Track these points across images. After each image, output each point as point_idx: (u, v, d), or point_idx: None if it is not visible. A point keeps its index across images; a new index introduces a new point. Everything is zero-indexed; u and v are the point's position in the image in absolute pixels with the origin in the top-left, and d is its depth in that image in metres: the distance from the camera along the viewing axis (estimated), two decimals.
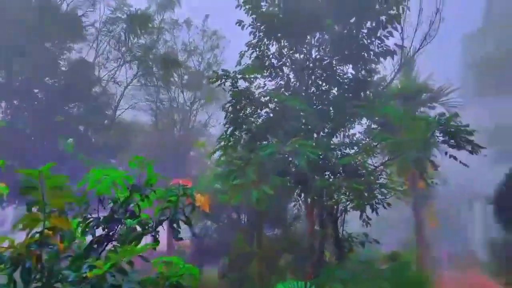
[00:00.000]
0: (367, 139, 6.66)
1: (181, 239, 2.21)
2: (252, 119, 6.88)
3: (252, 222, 9.53)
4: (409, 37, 7.44)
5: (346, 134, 8.07)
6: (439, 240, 27.10)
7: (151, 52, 14.60)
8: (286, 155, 5.26)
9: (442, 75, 14.76)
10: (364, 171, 7.15)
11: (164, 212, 2.19)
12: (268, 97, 6.83)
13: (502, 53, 23.77)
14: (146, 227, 2.12)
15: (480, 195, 20.93)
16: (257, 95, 6.56)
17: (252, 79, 6.62)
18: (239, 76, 6.27)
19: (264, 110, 7.12)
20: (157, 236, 2.18)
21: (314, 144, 6.67)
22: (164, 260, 2.02)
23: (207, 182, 7.96)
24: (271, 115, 7.17)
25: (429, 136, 5.42)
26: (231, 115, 6.44)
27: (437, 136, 5.55)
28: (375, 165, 6.68)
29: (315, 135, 7.64)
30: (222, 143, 6.38)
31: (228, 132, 6.52)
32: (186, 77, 16.85)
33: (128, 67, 15.19)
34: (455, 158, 5.78)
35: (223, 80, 6.21)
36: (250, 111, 6.85)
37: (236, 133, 6.55)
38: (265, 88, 7.32)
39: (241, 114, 6.53)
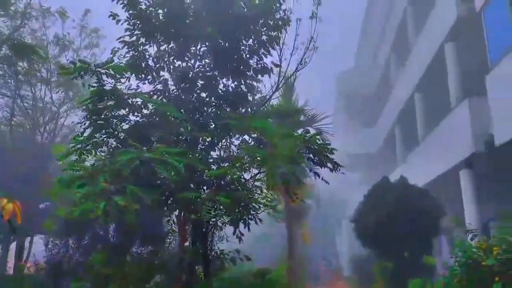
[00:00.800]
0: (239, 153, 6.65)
1: None
2: (118, 122, 6.25)
3: (120, 239, 8.66)
4: (286, 60, 7.84)
5: (223, 147, 7.98)
6: (312, 256, 29.17)
7: (11, 38, 12.49)
8: (152, 164, 4.85)
9: (318, 103, 16.22)
10: (237, 185, 7.11)
11: None
12: (138, 100, 6.32)
13: (368, 91, 27.44)
14: None
15: (346, 215, 23.24)
16: (126, 97, 5.99)
17: (119, 77, 6.03)
18: (102, 71, 5.62)
19: (137, 115, 6.57)
20: None
21: (189, 155, 6.40)
22: None
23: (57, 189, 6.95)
24: (144, 120, 6.66)
25: (295, 152, 5.63)
26: (91, 115, 5.73)
27: (304, 153, 5.82)
28: (247, 179, 6.70)
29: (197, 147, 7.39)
30: (78, 145, 5.60)
31: (85, 134, 5.78)
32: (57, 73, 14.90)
33: None
34: (318, 175, 6.14)
35: (81, 73, 5.48)
36: (118, 113, 6.23)
37: (97, 136, 5.85)
38: (138, 90, 6.78)
39: (104, 115, 5.88)
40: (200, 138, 7.56)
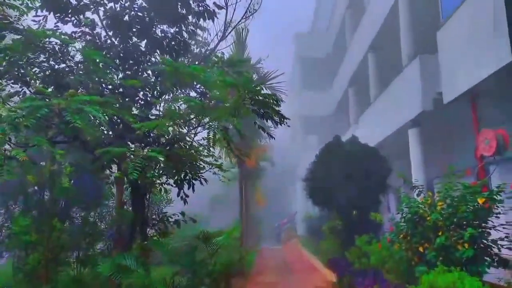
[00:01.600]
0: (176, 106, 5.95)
1: None
2: (31, 67, 5.31)
3: (48, 203, 7.85)
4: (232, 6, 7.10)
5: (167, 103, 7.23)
6: (267, 216, 29.67)
7: None
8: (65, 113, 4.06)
9: (273, 64, 15.62)
10: (181, 143, 6.49)
11: None
12: (57, 42, 5.38)
13: (324, 54, 27.16)
14: None
15: (301, 176, 23.46)
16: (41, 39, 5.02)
17: (27, 11, 5.03)
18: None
19: (58, 61, 5.63)
20: None
21: (119, 108, 5.63)
22: None
23: None
24: (66, 68, 5.74)
25: (240, 104, 5.07)
26: None
27: (248, 105, 5.27)
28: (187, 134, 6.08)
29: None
30: None
31: None
32: None
33: None
34: (263, 129, 5.67)
35: None
36: (32, 58, 5.28)
37: (3, 83, 4.92)
38: (58, 31, 5.78)
39: (10, 58, 4.91)
40: (142, 93, 6.78)
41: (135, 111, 6.36)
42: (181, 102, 6.22)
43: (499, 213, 6.03)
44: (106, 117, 4.45)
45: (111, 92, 6.39)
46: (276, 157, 26.25)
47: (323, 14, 30.04)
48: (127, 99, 6.60)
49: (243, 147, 15.40)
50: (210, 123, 5.24)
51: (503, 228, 5.99)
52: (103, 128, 5.29)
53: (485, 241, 5.98)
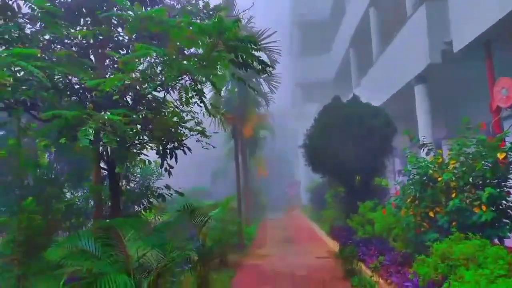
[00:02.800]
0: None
1: None
2: None
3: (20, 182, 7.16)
4: None
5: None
6: (270, 187, 29.18)
7: None
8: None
9: (269, 25, 14.49)
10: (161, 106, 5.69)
11: None
12: None
13: (322, 17, 25.68)
14: None
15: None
16: None
17: None
18: None
19: None
20: None
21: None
22: None
23: None
24: None
25: (211, 53, 4.21)
26: None
27: (224, 55, 4.39)
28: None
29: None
30: None
31: None
32: None
33: None
34: (242, 80, 4.79)
35: None
36: None
37: None
38: None
39: None
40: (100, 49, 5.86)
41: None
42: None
43: None
44: (44, 73, 3.61)
45: (66, 48, 5.52)
46: (277, 126, 25.40)
47: None
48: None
49: (238, 115, 14.59)
50: (178, 77, 4.39)
51: None
52: (54, 89, 4.45)
53: (505, 202, 5.24)
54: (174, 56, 4.19)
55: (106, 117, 4.02)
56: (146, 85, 4.71)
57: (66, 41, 5.35)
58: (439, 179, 5.61)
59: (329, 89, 24.97)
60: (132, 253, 3.75)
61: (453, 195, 5.33)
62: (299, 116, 28.01)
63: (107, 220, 5.11)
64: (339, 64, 22.17)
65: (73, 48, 5.38)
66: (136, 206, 7.37)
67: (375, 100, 12.44)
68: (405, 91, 11.65)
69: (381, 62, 14.26)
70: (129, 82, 4.37)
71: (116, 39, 5.81)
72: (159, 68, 4.60)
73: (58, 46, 5.22)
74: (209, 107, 5.97)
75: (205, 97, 5.02)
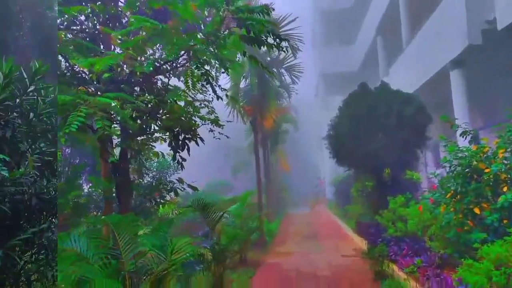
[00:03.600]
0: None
1: None
2: None
3: None
4: None
5: None
6: (292, 181, 28.48)
7: None
8: None
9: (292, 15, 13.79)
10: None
11: None
12: None
13: (347, 4, 24.59)
14: None
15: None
16: None
17: None
18: None
19: None
20: None
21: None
22: None
23: None
24: None
25: (219, 27, 3.66)
26: None
27: (233, 30, 3.83)
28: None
29: None
30: None
31: None
32: None
33: None
34: (255, 59, 4.20)
35: None
36: None
37: None
38: None
39: None
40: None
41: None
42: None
43: None
44: None
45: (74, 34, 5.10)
46: (300, 118, 24.61)
47: None
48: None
49: (258, 107, 14.00)
50: (179, 54, 3.85)
51: None
52: None
53: None
54: (173, 31, 3.66)
55: (102, 102, 3.55)
56: (143, 62, 4.20)
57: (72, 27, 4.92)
58: (486, 170, 4.86)
59: (353, 80, 23.93)
60: (128, 254, 3.29)
61: (504, 189, 4.58)
62: (323, 107, 27.10)
63: (103, 217, 4.69)
64: (365, 53, 21.13)
65: (81, 34, 4.95)
66: (148, 202, 6.95)
67: (406, 87, 11.56)
68: (438, 78, 10.74)
69: (411, 48, 13.30)
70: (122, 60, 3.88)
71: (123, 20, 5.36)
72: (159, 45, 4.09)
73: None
74: (224, 97, 5.45)
75: (213, 79, 4.48)
